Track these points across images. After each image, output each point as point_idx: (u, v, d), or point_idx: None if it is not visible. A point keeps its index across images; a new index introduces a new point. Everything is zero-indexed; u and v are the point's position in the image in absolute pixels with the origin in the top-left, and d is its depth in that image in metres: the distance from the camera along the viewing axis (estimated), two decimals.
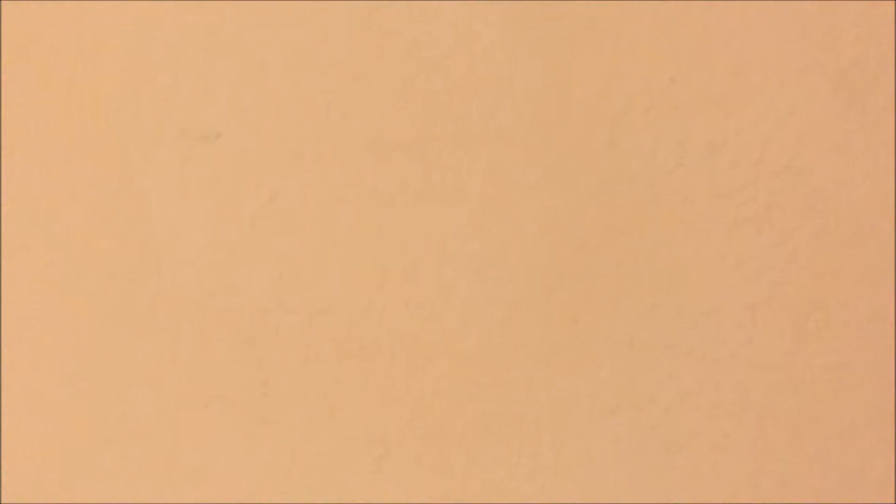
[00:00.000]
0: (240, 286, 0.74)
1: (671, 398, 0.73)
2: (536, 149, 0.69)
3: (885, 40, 0.64)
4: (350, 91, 0.70)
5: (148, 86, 0.71)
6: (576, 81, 0.68)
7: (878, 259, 0.69)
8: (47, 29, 0.70)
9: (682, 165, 0.69)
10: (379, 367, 0.75)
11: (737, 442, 0.74)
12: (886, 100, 0.65)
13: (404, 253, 0.72)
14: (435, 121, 0.70)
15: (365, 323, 0.74)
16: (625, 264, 0.71)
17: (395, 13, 0.68)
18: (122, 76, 0.71)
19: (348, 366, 0.75)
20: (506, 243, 0.71)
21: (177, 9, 0.70)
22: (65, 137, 0.72)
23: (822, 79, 0.65)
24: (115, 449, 0.76)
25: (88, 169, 0.72)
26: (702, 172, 0.68)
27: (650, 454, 0.74)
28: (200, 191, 0.72)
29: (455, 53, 0.68)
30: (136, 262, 0.73)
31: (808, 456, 0.73)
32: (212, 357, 0.74)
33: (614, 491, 0.75)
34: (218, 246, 0.73)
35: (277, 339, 0.74)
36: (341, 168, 0.71)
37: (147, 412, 0.76)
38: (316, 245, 0.73)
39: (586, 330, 0.73)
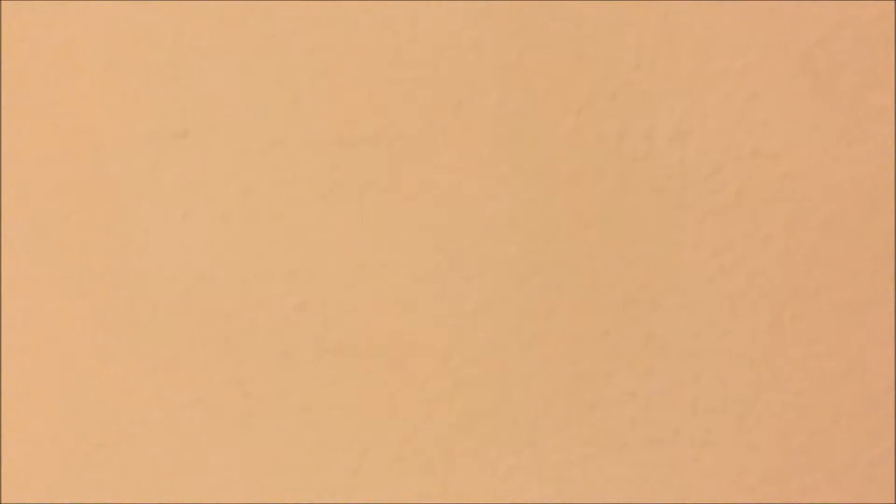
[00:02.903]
0: (213, 285, 0.73)
1: (650, 393, 0.72)
2: (503, 140, 0.69)
3: (848, 21, 0.63)
4: (317, 86, 0.70)
5: (118, 85, 0.71)
6: (540, 71, 0.67)
7: (853, 244, 0.67)
8: (18, 29, 0.71)
9: (650, 154, 0.68)
10: (356, 365, 0.74)
11: (718, 436, 0.72)
12: (852, 80, 0.64)
13: (376, 248, 0.72)
14: (401, 114, 0.69)
15: (340, 320, 0.73)
16: (598, 257, 0.70)
17: (359, 8, 0.68)
18: (93, 76, 0.71)
19: (325, 364, 0.74)
20: (476, 236, 0.71)
21: (145, 9, 0.70)
22: (36, 136, 0.72)
23: (786, 60, 0.64)
24: (94, 450, 0.76)
25: (60, 168, 0.72)
26: (670, 160, 0.68)
27: (630, 450, 0.73)
28: (172, 189, 0.72)
29: (419, 45, 0.68)
30: (108, 261, 0.73)
31: (790, 449, 0.71)
32: (187, 356, 0.74)
33: (595, 488, 0.74)
34: (191, 245, 0.73)
35: (253, 337, 0.74)
36: (310, 164, 0.71)
37: (124, 413, 0.76)
38: (288, 242, 0.73)
39: (562, 325, 0.72)
